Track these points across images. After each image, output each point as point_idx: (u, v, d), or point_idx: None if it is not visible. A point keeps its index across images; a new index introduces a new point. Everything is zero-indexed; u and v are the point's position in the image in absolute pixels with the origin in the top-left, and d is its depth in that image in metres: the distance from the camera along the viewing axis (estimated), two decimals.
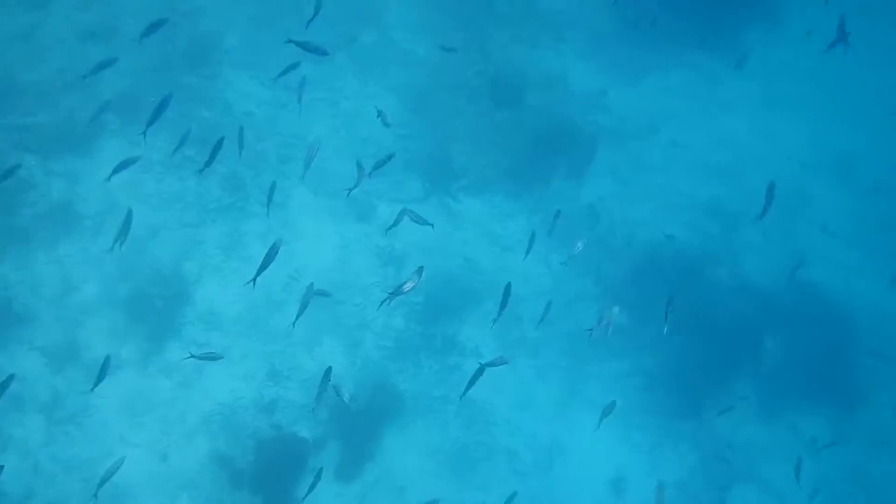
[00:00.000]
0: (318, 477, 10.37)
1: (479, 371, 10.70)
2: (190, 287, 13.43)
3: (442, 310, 13.46)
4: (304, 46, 10.50)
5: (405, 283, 10.27)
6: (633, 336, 14.22)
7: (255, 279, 10.18)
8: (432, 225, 11.65)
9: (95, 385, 10.39)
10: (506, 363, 11.07)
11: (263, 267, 10.07)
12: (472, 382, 10.70)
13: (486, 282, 14.17)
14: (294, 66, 11.71)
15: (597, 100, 16.40)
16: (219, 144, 10.56)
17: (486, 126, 15.29)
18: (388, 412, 12.94)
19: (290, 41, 10.23)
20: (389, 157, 11.21)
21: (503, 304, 10.82)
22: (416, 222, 11.28)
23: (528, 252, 12.16)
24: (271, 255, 10.11)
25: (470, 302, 14.07)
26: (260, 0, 15.43)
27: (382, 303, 10.92)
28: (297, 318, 11.06)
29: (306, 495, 10.65)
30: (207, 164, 10.70)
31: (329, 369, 10.49)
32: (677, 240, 15.11)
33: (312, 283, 11.14)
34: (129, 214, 11.02)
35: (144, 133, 10.68)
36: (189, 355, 11.16)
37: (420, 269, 10.27)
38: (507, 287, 10.95)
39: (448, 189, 15.00)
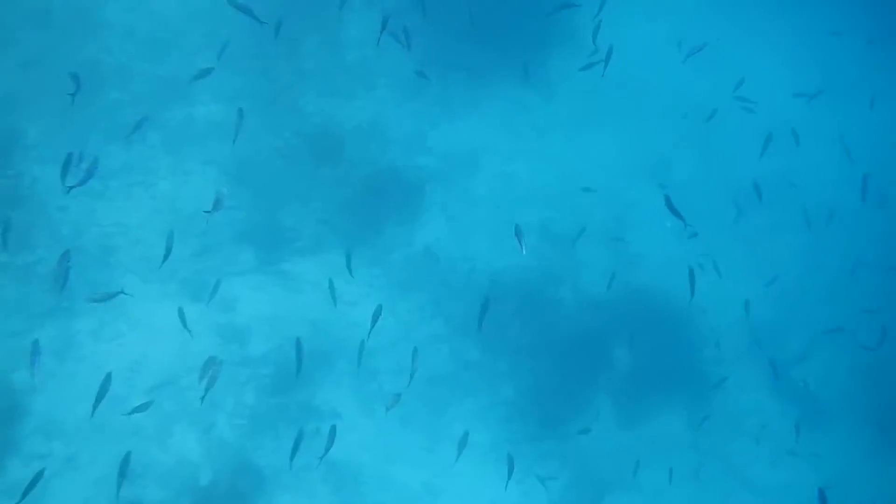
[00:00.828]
0: None
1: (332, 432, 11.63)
2: (24, 398, 13.61)
3: (293, 377, 14.25)
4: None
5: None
6: (488, 369, 15.51)
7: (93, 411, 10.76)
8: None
9: None
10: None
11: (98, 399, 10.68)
12: (328, 445, 11.61)
13: (335, 340, 15.11)
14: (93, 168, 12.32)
15: (418, 143, 17.73)
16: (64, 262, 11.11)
17: (311, 185, 16.28)
18: (252, 493, 13.58)
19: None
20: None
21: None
22: None
23: (373, 324, 13.03)
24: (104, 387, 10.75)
25: (321, 364, 14.97)
26: (60, 90, 15.85)
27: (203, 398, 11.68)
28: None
29: None
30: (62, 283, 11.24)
31: None
32: (519, 266, 16.55)
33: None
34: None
35: None
36: None
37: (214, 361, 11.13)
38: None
39: (282, 255, 15.83)
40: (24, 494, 10.52)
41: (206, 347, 14.40)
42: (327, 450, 11.71)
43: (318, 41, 18.03)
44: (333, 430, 11.75)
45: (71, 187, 11.68)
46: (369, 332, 12.90)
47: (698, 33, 19.80)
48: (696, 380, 17.49)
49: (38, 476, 10.72)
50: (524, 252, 12.00)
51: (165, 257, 12.03)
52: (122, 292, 12.52)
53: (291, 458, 11.73)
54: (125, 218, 15.29)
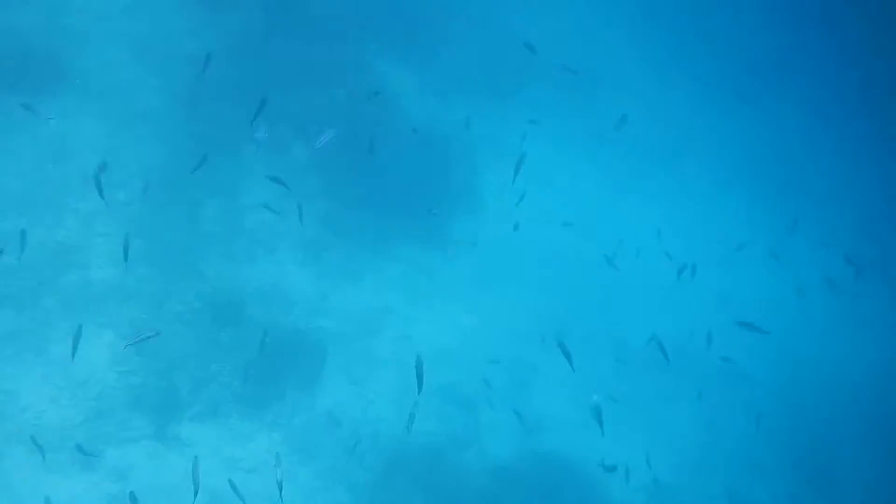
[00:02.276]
0: None
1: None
2: None
3: None
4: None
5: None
6: None
7: None
8: None
9: None
10: None
11: None
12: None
13: None
14: None
15: (319, 305, 19.68)
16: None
17: (210, 349, 17.90)
18: None
19: None
20: None
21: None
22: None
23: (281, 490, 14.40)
24: None
25: None
26: None
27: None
28: None
29: None
30: None
31: None
32: (423, 431, 18.29)
33: None
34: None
35: None
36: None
37: None
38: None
39: (178, 420, 17.23)
40: None
41: None
42: None
43: (218, 204, 20.09)
44: None
45: None
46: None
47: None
48: None
49: None
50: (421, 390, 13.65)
51: None
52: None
53: None
54: (11, 385, 16.48)
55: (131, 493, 13.43)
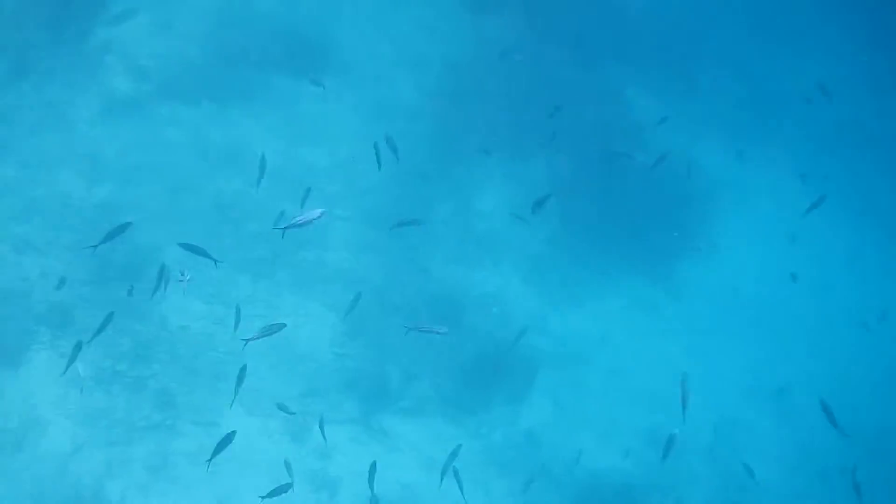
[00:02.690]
0: None
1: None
2: None
3: None
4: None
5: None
6: None
7: None
8: None
9: None
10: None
11: None
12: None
13: None
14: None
15: (536, 322, 19.55)
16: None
17: (425, 346, 18.12)
18: None
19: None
20: None
21: None
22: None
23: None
24: None
25: None
26: (199, 214, 18.45)
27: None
28: None
29: None
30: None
31: None
32: (621, 469, 17.80)
33: None
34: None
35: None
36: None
37: None
38: None
39: (385, 411, 17.52)
40: None
41: (296, 492, 15.90)
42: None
43: (452, 207, 20.36)
44: None
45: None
46: None
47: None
48: None
49: None
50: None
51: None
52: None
53: None
54: (240, 348, 17.24)
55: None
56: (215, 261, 13.79)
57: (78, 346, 13.66)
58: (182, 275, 14.83)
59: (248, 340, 12.98)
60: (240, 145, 18.81)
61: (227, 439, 13.28)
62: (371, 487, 13.57)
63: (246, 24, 20.42)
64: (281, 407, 15.32)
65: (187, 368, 16.33)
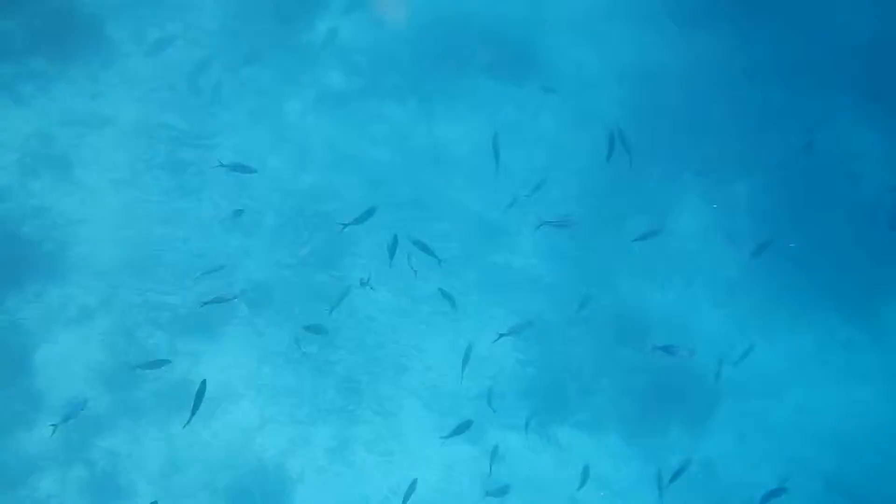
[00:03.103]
0: None
1: None
2: (290, 485, 15.91)
3: None
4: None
5: None
6: None
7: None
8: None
9: None
10: None
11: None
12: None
13: None
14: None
15: (723, 350, 19.00)
16: None
17: (607, 363, 17.96)
18: None
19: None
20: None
21: None
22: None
23: None
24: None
25: None
26: (394, 208, 18.96)
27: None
28: None
29: None
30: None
31: None
32: None
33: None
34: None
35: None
36: None
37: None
38: None
39: (561, 422, 17.48)
40: None
41: (466, 491, 16.11)
42: None
43: (645, 223, 20.05)
44: None
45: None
46: None
47: None
48: None
49: None
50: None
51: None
52: None
53: None
54: (424, 342, 17.61)
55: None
56: (439, 259, 14.13)
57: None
58: (365, 280, 15.28)
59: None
60: (440, 145, 19.12)
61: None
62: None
63: (454, 27, 20.77)
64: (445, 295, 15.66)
65: (371, 358, 16.80)
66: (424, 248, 14.49)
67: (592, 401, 17.45)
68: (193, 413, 12.95)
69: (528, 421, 15.22)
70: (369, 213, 14.22)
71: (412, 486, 13.67)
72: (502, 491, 14.56)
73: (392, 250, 14.52)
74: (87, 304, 16.50)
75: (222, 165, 13.80)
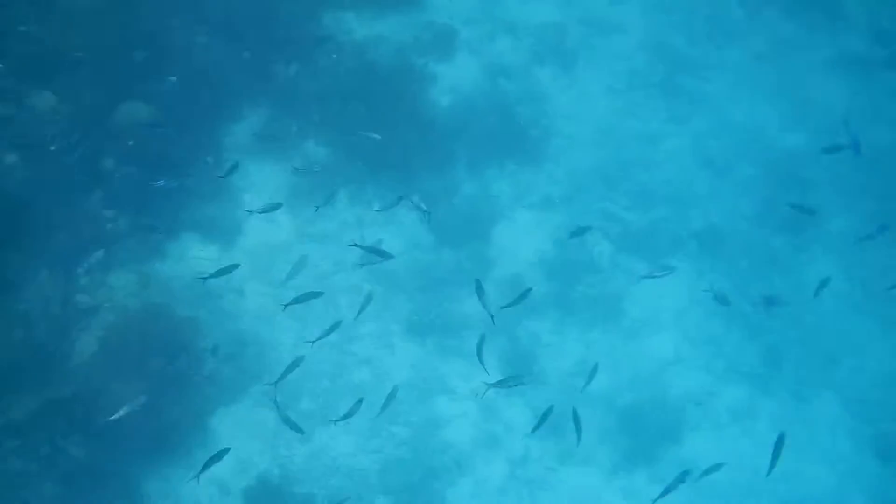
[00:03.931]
0: None
1: None
2: (683, 431, 15.95)
3: None
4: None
5: None
6: None
7: None
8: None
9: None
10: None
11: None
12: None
13: None
14: None
15: None
16: None
17: None
18: None
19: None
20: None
21: None
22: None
23: None
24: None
25: None
26: None
27: None
28: None
29: None
30: None
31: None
32: None
33: None
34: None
35: None
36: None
37: None
38: None
39: None
40: None
41: None
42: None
43: None
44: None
45: None
46: None
47: None
48: None
49: None
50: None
51: None
52: None
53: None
54: (866, 341, 16.60)
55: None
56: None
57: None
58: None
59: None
60: None
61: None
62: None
63: None
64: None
65: (805, 338, 16.31)
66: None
67: None
68: None
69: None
70: None
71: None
72: None
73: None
74: (550, 194, 17.27)
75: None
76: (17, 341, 13.04)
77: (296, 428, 13.23)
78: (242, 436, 14.35)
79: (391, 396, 13.43)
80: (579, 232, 15.31)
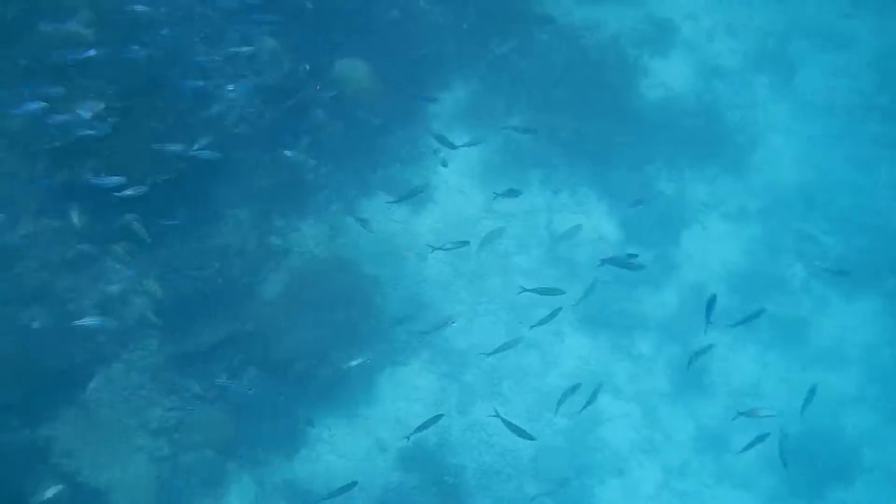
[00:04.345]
0: None
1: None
2: (855, 473, 15.24)
3: None
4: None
5: None
6: None
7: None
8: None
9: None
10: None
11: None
12: None
13: None
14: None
15: None
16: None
17: None
18: None
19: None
20: None
21: None
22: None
23: None
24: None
25: None
26: None
27: None
28: None
29: None
30: None
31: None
32: None
33: None
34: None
35: None
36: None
37: None
38: None
39: None
40: None
41: None
42: None
43: None
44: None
45: None
46: None
47: None
48: None
49: None
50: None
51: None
52: None
53: None
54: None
55: None
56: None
57: None
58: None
59: None
60: None
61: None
62: None
63: None
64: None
65: None
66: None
67: None
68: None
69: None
70: None
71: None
72: None
73: None
74: (746, 206, 16.71)
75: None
76: (213, 273, 13.52)
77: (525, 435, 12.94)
78: (406, 397, 14.44)
79: (595, 393, 13.18)
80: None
